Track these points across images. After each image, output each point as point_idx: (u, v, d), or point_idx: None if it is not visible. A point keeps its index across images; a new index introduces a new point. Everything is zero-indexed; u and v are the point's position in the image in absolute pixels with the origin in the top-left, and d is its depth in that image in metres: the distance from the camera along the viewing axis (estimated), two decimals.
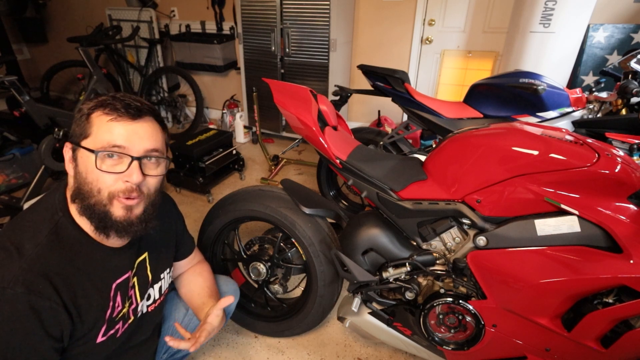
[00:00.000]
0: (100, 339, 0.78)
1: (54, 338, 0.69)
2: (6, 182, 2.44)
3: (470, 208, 1.03)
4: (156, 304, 0.96)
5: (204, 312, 0.99)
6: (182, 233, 1.05)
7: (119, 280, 0.80)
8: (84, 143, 0.69)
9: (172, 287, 1.14)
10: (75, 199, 0.72)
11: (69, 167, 0.73)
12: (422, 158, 1.25)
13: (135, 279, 0.86)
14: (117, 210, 0.71)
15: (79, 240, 0.73)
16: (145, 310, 0.92)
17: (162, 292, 0.97)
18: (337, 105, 2.16)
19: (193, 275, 1.10)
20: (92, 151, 0.68)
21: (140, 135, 0.71)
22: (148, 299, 0.92)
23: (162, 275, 0.95)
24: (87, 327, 0.74)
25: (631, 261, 0.83)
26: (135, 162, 0.70)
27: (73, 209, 0.74)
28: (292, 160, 3.08)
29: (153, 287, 0.93)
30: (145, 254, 0.89)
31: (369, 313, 1.27)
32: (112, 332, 0.80)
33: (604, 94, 1.68)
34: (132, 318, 0.87)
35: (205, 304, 1.03)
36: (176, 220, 1.03)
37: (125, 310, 0.83)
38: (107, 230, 0.73)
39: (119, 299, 0.81)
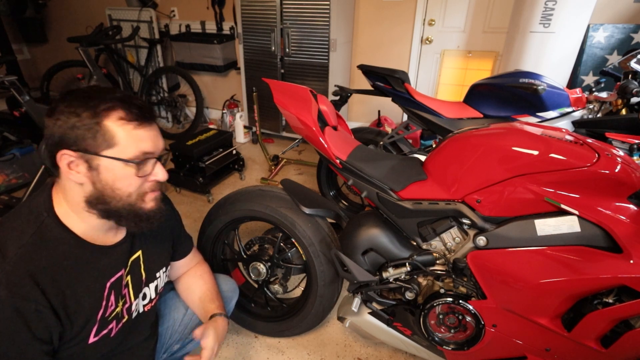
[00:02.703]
0: (92, 339, 0.77)
1: (43, 341, 0.67)
2: (6, 182, 2.44)
3: (470, 208, 1.03)
4: (152, 303, 0.95)
5: (207, 318, 1.00)
6: (179, 232, 1.05)
7: (112, 279, 0.80)
8: (109, 153, 0.69)
9: (171, 286, 1.14)
10: (93, 206, 0.72)
11: (78, 177, 0.70)
12: (422, 158, 1.25)
13: (128, 278, 0.85)
14: (149, 204, 0.77)
15: (65, 240, 0.72)
16: (141, 309, 0.91)
17: (158, 291, 0.96)
18: (337, 105, 2.16)
19: (194, 278, 1.09)
20: (127, 161, 0.70)
21: (159, 137, 0.76)
22: (144, 298, 0.91)
23: (157, 275, 0.94)
24: (77, 329, 0.73)
25: (631, 261, 0.83)
26: (159, 162, 0.76)
27: (65, 211, 0.73)
28: (292, 160, 3.08)
29: (148, 287, 0.92)
30: (139, 252, 0.88)
31: (369, 313, 1.27)
32: (105, 332, 0.79)
33: (604, 94, 1.68)
34: (127, 317, 0.86)
35: (206, 310, 1.03)
36: (172, 219, 1.02)
37: (118, 309, 0.82)
38: (141, 223, 0.76)
39: (112, 298, 0.80)
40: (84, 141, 0.67)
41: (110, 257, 0.79)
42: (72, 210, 0.73)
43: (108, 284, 0.79)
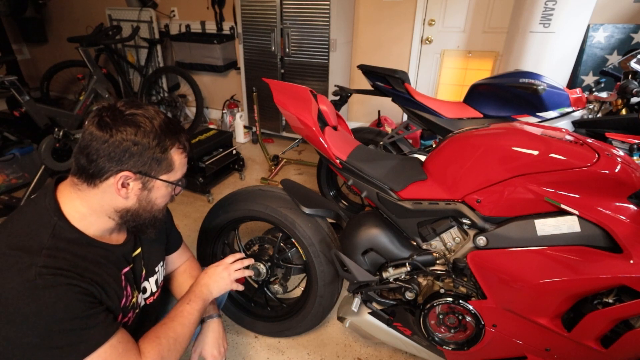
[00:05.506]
0: None
1: (100, 302, 0.72)
2: (6, 182, 2.43)
3: (470, 208, 1.03)
4: (154, 297, 0.98)
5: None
6: (170, 226, 1.08)
7: (124, 271, 0.83)
8: (165, 177, 0.77)
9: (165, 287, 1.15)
10: (122, 216, 0.77)
11: (127, 193, 0.74)
12: (422, 158, 1.25)
13: (132, 272, 0.88)
14: (161, 213, 0.85)
15: (80, 241, 0.74)
16: (143, 303, 0.94)
17: (159, 284, 1.00)
18: (337, 105, 2.16)
19: (183, 276, 1.12)
20: (176, 184, 0.80)
21: None
22: (144, 292, 0.94)
23: (156, 269, 0.98)
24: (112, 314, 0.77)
25: (631, 261, 0.83)
26: None
27: (77, 213, 0.74)
28: (292, 160, 3.08)
29: (148, 280, 0.95)
30: (139, 249, 0.92)
31: (369, 313, 1.27)
32: (125, 319, 0.83)
33: (604, 94, 1.68)
34: (137, 309, 0.89)
35: None
36: (166, 214, 1.06)
37: (134, 299, 0.86)
38: (153, 229, 0.84)
39: (129, 288, 0.84)
40: (149, 166, 0.73)
41: (119, 253, 0.83)
42: (91, 213, 0.75)
43: (123, 276, 0.82)
